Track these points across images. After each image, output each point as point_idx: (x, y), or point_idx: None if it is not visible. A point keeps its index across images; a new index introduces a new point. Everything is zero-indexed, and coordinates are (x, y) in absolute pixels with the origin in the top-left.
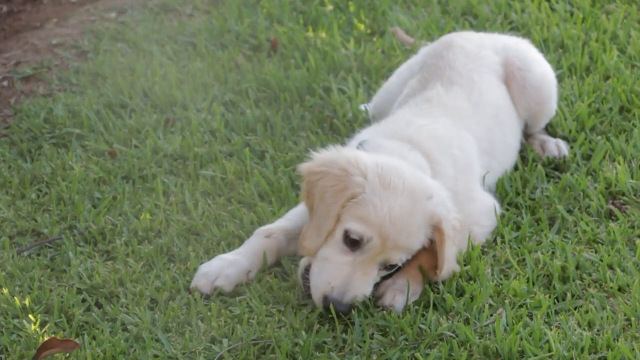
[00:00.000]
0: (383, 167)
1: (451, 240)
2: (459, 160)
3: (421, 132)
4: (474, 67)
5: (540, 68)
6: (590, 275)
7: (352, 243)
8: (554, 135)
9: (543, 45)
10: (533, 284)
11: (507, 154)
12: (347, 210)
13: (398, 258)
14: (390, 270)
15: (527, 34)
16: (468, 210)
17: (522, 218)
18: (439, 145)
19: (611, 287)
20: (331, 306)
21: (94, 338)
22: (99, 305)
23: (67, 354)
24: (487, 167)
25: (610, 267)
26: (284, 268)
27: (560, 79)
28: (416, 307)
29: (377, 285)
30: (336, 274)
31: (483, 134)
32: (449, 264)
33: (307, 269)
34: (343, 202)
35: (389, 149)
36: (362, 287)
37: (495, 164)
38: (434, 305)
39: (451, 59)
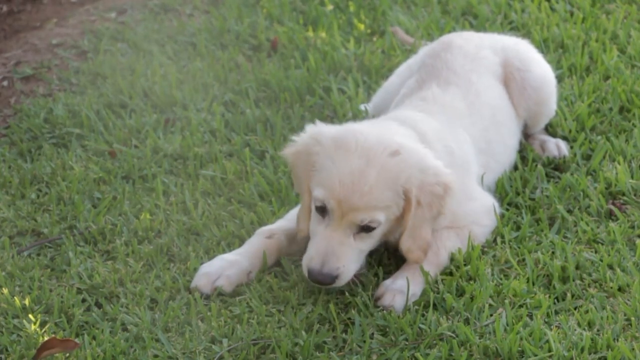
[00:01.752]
0: (340, 131)
1: (423, 206)
2: (455, 154)
3: (415, 118)
4: (472, 67)
5: (540, 68)
6: (590, 275)
7: (321, 210)
8: (554, 135)
9: (543, 45)
10: (533, 284)
11: (506, 154)
12: (311, 180)
13: (360, 218)
14: (369, 232)
15: (527, 34)
16: (467, 209)
17: (522, 218)
18: (433, 133)
19: (611, 287)
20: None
21: (94, 338)
22: (99, 305)
23: (67, 354)
24: (484, 166)
25: (610, 267)
26: (284, 268)
27: (560, 79)
28: (416, 307)
29: (377, 287)
30: (314, 246)
31: (479, 133)
32: (413, 233)
33: None
34: (308, 174)
35: (377, 125)
36: (343, 257)
37: (493, 163)
38: (434, 305)
39: (449, 60)
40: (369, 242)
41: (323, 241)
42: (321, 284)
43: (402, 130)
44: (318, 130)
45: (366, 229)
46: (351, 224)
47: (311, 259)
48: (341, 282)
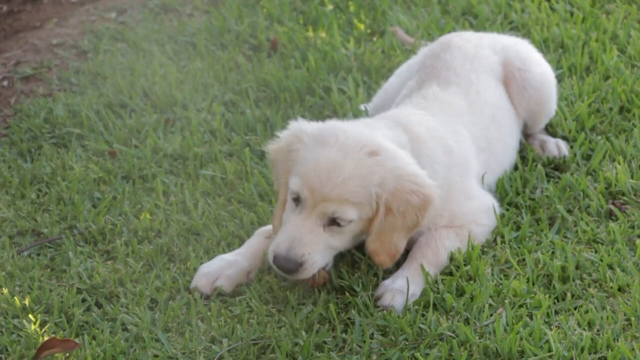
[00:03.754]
0: (321, 128)
1: (395, 214)
2: (453, 152)
3: (411, 118)
4: (471, 67)
5: (540, 68)
6: (590, 275)
7: (296, 201)
8: (554, 135)
9: (543, 45)
10: (533, 284)
11: (506, 154)
12: (290, 174)
13: (332, 210)
14: (340, 227)
15: (527, 34)
16: (466, 209)
17: (522, 218)
18: (430, 132)
19: (611, 287)
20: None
21: (94, 338)
22: (99, 305)
23: (67, 354)
24: (485, 165)
25: (610, 267)
26: None
27: (560, 79)
28: (416, 307)
29: (377, 287)
30: (283, 232)
31: (480, 132)
32: (381, 237)
33: None
34: (286, 168)
35: (364, 124)
36: (310, 245)
37: (493, 162)
38: (434, 305)
39: (448, 60)
40: (340, 239)
41: (292, 227)
42: (285, 270)
43: (389, 133)
44: (299, 127)
45: (337, 222)
46: (322, 214)
47: (278, 245)
48: (305, 272)
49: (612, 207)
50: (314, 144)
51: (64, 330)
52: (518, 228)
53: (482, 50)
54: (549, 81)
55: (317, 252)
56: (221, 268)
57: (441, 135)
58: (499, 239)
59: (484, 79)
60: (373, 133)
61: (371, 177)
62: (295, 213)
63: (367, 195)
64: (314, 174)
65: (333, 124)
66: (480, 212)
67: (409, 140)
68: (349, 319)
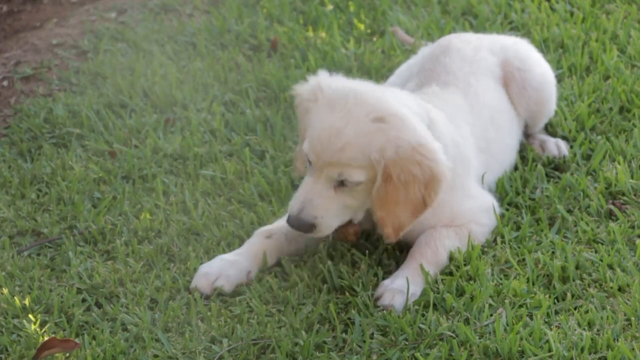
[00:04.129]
0: (336, 90)
1: (395, 183)
2: (459, 146)
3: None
4: (470, 70)
5: (540, 68)
6: (590, 275)
7: (309, 162)
8: (554, 135)
9: (543, 45)
10: (533, 284)
11: (505, 154)
12: (306, 132)
13: (337, 173)
14: (351, 188)
15: (527, 34)
16: (466, 207)
17: (522, 218)
18: (442, 124)
19: (611, 287)
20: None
21: (94, 338)
22: (99, 305)
23: (67, 354)
24: (485, 165)
25: (610, 267)
26: (284, 268)
27: (560, 79)
28: (416, 307)
29: (377, 287)
30: (297, 193)
31: (479, 132)
32: (384, 206)
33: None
34: (304, 124)
35: (390, 91)
36: (321, 207)
37: (493, 163)
38: (434, 305)
39: (447, 63)
40: (354, 197)
41: (304, 190)
42: (298, 230)
43: (413, 105)
44: (318, 84)
45: (346, 183)
46: (329, 177)
47: (291, 206)
48: (320, 232)
49: (612, 207)
50: (325, 106)
51: (64, 330)
52: (518, 228)
53: (481, 53)
54: (548, 81)
55: (330, 213)
56: (221, 268)
57: (451, 127)
58: (499, 239)
59: (483, 81)
60: (388, 98)
61: (371, 144)
62: (309, 174)
63: (368, 160)
64: (317, 140)
65: (351, 85)
66: (480, 211)
67: (429, 122)
68: (349, 319)
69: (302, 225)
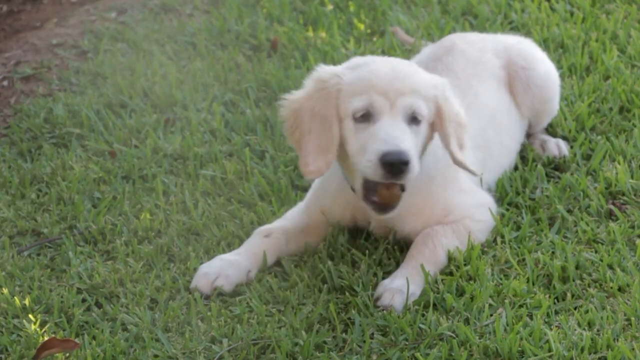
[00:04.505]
0: (351, 61)
1: (452, 125)
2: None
3: None
4: (473, 72)
5: (544, 66)
6: (590, 275)
7: (365, 118)
8: (554, 135)
9: (543, 45)
10: (533, 284)
11: (504, 155)
12: (341, 105)
13: (409, 102)
14: (418, 126)
15: (527, 34)
16: (459, 202)
17: (522, 218)
18: None
19: (611, 287)
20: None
21: (94, 338)
22: (99, 305)
23: (67, 354)
24: (482, 163)
25: (610, 267)
26: (284, 268)
27: (560, 79)
28: (416, 307)
29: (376, 287)
30: (375, 139)
31: (477, 132)
32: (453, 141)
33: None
34: (334, 103)
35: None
36: (407, 140)
37: (491, 162)
38: (434, 305)
39: (450, 63)
40: (419, 138)
41: (382, 130)
42: (396, 167)
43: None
44: (324, 71)
45: (416, 118)
46: (404, 110)
47: (379, 148)
48: (411, 173)
49: (612, 207)
50: (353, 71)
51: (64, 330)
52: (518, 228)
53: (486, 55)
54: (552, 79)
55: (414, 153)
56: (221, 268)
57: None
58: (499, 239)
59: (485, 83)
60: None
61: (428, 81)
62: (372, 125)
63: (428, 92)
64: (377, 79)
65: (363, 57)
66: (474, 207)
67: None
68: (349, 319)
69: (403, 160)
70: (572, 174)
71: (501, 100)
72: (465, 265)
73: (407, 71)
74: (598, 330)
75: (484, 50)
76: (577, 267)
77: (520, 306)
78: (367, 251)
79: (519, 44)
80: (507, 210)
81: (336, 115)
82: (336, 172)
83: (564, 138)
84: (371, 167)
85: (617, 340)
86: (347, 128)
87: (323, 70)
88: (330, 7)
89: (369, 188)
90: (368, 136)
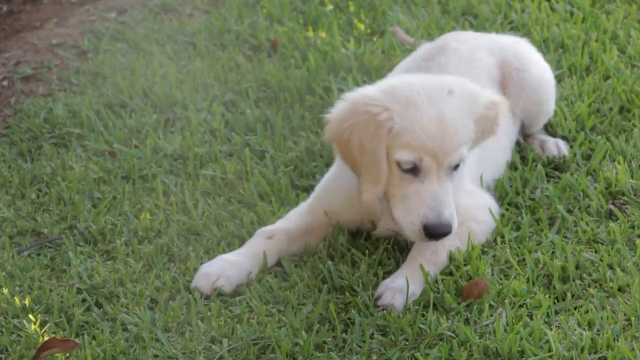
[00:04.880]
0: (394, 88)
1: (482, 134)
2: None
3: None
4: (466, 69)
5: (538, 68)
6: (590, 275)
7: (412, 171)
8: (553, 135)
9: (543, 45)
10: (533, 284)
11: (500, 152)
12: (391, 146)
13: (455, 159)
14: (457, 169)
15: (527, 34)
16: (463, 203)
17: (522, 218)
18: None
19: (611, 287)
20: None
21: (94, 338)
22: (99, 305)
23: (67, 354)
24: (479, 161)
25: (610, 267)
26: (284, 268)
27: (560, 79)
28: (416, 307)
29: (377, 286)
30: (420, 202)
31: None
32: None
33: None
34: (384, 140)
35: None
36: (451, 203)
37: (488, 160)
38: (434, 305)
39: (443, 62)
40: (456, 179)
41: (429, 195)
42: (438, 237)
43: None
44: (368, 96)
45: (455, 167)
46: (449, 168)
47: (424, 215)
48: (454, 228)
49: (612, 207)
50: (403, 109)
51: (64, 330)
52: (518, 228)
53: (478, 53)
54: (547, 81)
55: (453, 202)
56: (221, 268)
57: None
58: (499, 239)
59: (478, 81)
60: (433, 75)
61: (468, 111)
62: (417, 182)
63: (469, 128)
64: (428, 141)
65: (395, 81)
66: (476, 208)
67: None
68: (349, 319)
69: (446, 228)
70: (572, 174)
71: None
72: (465, 265)
73: (455, 123)
74: (598, 330)
75: (477, 48)
76: (577, 267)
77: (520, 306)
78: (367, 251)
79: (514, 44)
80: (507, 210)
81: (385, 153)
82: (347, 177)
83: (564, 138)
84: (413, 231)
85: (617, 340)
86: (392, 168)
87: (369, 98)
88: (330, 7)
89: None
90: (413, 192)
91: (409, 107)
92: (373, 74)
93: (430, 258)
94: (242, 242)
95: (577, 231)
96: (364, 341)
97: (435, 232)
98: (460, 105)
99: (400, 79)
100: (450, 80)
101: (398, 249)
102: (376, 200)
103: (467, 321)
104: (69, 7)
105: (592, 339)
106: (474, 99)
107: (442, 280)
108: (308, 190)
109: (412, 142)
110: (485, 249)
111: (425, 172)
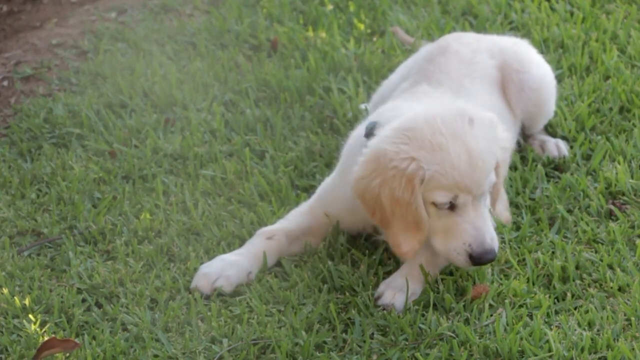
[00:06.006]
0: (413, 132)
1: (501, 166)
2: None
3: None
4: (466, 72)
5: (538, 70)
6: (590, 275)
7: (450, 207)
8: (554, 135)
9: (543, 46)
10: (533, 284)
11: None
12: (425, 190)
13: (489, 185)
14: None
15: (527, 34)
16: None
17: (522, 218)
18: None
19: (611, 287)
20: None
21: (94, 338)
22: (99, 305)
23: (67, 354)
24: None
25: (610, 267)
26: (284, 268)
27: (560, 79)
28: (416, 307)
29: (377, 286)
30: (463, 233)
31: None
32: (500, 194)
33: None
34: (418, 190)
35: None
36: (491, 228)
37: None
38: (434, 305)
39: (443, 64)
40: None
41: (469, 226)
42: (485, 264)
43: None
44: (391, 151)
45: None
46: (483, 196)
47: (469, 245)
48: (497, 250)
49: (612, 207)
50: (430, 154)
51: (64, 330)
52: (518, 228)
53: (479, 55)
54: (547, 83)
55: (493, 225)
56: (221, 268)
57: None
58: (499, 239)
59: (478, 84)
60: (452, 103)
61: (491, 140)
62: (455, 215)
63: (494, 153)
64: (460, 178)
65: (412, 123)
66: None
67: None
68: (349, 319)
69: (493, 254)
70: (572, 174)
71: (494, 101)
72: None
73: (482, 154)
74: (598, 330)
75: (478, 50)
76: (577, 267)
77: (520, 306)
78: (367, 251)
79: (514, 46)
80: None
81: (421, 201)
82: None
83: (564, 138)
84: (459, 258)
85: (617, 340)
86: (431, 211)
87: (393, 152)
88: (330, 7)
89: None
90: (453, 224)
91: (434, 150)
92: (373, 74)
93: (430, 258)
94: (242, 242)
95: (577, 231)
96: (364, 341)
97: (482, 261)
98: (483, 133)
99: (415, 115)
100: (464, 107)
101: None
102: (419, 249)
103: (467, 321)
104: (69, 7)
105: (592, 339)
106: (491, 124)
107: (442, 280)
108: (308, 190)
109: (445, 183)
110: None
111: (461, 206)
